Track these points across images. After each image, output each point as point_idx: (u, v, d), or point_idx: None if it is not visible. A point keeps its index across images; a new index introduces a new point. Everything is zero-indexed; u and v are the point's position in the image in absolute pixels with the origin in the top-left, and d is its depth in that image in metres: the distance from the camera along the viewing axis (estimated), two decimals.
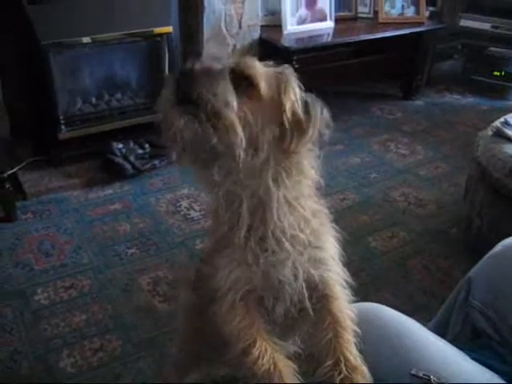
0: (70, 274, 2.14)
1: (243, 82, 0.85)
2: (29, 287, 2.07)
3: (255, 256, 0.92)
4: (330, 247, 0.96)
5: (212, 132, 0.81)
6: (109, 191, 2.71)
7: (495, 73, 3.90)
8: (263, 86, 0.86)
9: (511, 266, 1.15)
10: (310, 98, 0.90)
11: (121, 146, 2.82)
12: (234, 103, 0.82)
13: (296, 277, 0.93)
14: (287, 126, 0.86)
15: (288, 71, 0.90)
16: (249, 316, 0.95)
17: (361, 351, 0.90)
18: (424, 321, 1.27)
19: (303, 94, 0.89)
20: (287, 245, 0.92)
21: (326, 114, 0.89)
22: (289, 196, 0.90)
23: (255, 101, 0.85)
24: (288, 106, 0.87)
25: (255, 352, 0.92)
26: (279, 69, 0.91)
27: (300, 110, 0.87)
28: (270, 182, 0.88)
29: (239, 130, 0.82)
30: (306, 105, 0.88)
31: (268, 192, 0.89)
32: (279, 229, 0.91)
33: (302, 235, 0.92)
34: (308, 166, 0.92)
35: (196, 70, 0.82)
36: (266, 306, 0.96)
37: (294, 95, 0.88)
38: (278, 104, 0.87)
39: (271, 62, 0.92)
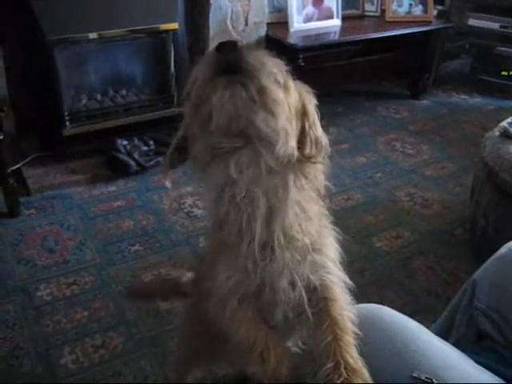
0: (72, 271, 2.14)
1: None
2: (31, 283, 2.07)
3: (255, 264, 0.89)
4: (331, 249, 0.95)
5: (258, 107, 0.77)
6: (113, 188, 2.70)
7: (503, 73, 3.87)
8: (292, 85, 0.84)
9: None
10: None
11: (125, 142, 2.82)
12: (281, 78, 0.80)
13: (294, 286, 0.92)
14: (308, 131, 0.85)
15: (306, 89, 0.90)
16: (254, 322, 0.95)
17: (361, 353, 0.88)
18: (428, 321, 1.25)
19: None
20: (287, 254, 0.89)
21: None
22: (301, 199, 0.88)
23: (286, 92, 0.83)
24: (311, 114, 0.86)
25: (273, 359, 0.93)
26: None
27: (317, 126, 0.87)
28: (291, 183, 0.86)
29: (284, 109, 0.80)
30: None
31: (285, 194, 0.86)
32: (284, 235, 0.88)
33: (305, 239, 0.90)
34: (320, 171, 0.91)
35: (239, 42, 0.79)
36: (264, 311, 0.95)
37: (315, 109, 0.88)
38: (300, 110, 0.86)
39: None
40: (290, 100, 0.82)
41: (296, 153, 0.83)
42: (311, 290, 0.93)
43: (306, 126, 0.86)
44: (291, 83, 0.84)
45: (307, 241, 0.90)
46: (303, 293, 0.92)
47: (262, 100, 0.76)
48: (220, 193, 0.86)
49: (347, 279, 0.96)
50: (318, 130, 0.87)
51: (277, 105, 0.78)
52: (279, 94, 0.79)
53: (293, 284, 0.91)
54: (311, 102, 0.88)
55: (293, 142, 0.82)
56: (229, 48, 0.77)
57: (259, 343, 0.93)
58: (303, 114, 0.86)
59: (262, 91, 0.76)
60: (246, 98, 0.75)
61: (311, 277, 0.92)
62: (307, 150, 0.85)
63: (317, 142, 0.86)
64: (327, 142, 0.89)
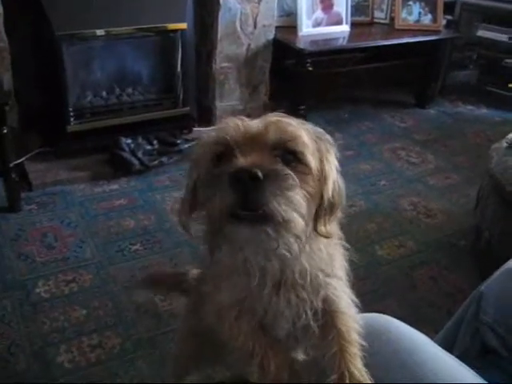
0: (71, 268, 2.12)
1: (290, 157, 0.77)
2: (30, 279, 2.05)
3: (259, 300, 0.88)
4: (339, 269, 0.93)
5: (278, 240, 0.75)
6: (115, 186, 2.69)
7: (510, 85, 3.85)
8: (312, 162, 0.78)
9: None
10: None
11: (129, 141, 2.80)
12: (304, 208, 0.75)
13: (299, 317, 0.90)
14: (326, 203, 0.80)
15: (328, 140, 0.84)
16: (253, 331, 0.93)
17: (367, 365, 0.86)
18: (428, 332, 1.23)
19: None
20: (293, 295, 0.88)
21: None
22: (312, 251, 0.86)
23: (303, 176, 0.77)
24: (330, 183, 0.80)
25: (273, 367, 0.90)
26: (318, 134, 0.83)
27: (337, 188, 0.82)
28: (299, 255, 0.83)
29: (302, 205, 0.75)
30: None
31: (295, 261, 0.84)
32: (293, 280, 0.86)
33: (318, 273, 0.88)
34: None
35: (258, 173, 0.70)
36: (266, 324, 0.93)
37: (335, 171, 0.82)
38: (319, 179, 0.80)
39: (308, 124, 0.83)
40: (310, 184, 0.78)
41: (310, 231, 0.80)
42: (317, 306, 0.91)
43: (325, 194, 0.80)
44: (310, 156, 0.78)
45: (320, 275, 0.88)
46: (310, 316, 0.90)
47: (279, 231, 0.74)
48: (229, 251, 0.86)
49: (354, 297, 0.94)
50: (335, 192, 0.81)
51: (297, 231, 0.75)
52: (301, 223, 0.75)
53: (298, 315, 0.90)
54: (331, 161, 0.82)
55: (306, 223, 0.78)
56: (251, 185, 0.71)
57: (258, 351, 0.91)
58: (322, 178, 0.80)
59: (282, 226, 0.74)
60: (264, 238, 0.74)
61: (318, 296, 0.90)
62: (321, 228, 0.81)
63: (332, 207, 0.82)
64: (343, 195, 0.83)
